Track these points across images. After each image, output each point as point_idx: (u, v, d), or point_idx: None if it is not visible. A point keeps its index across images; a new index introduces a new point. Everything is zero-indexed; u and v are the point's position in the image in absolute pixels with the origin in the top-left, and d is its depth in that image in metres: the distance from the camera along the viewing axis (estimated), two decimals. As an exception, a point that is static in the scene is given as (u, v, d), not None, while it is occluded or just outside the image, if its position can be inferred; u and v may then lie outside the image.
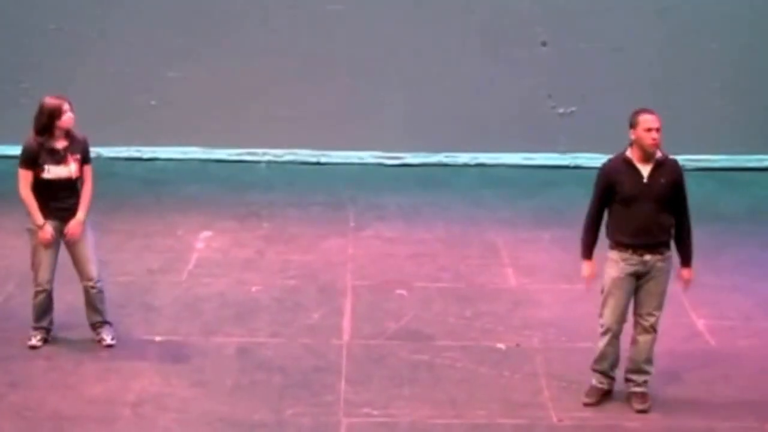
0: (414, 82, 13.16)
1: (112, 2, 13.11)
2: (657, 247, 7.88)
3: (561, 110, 13.28)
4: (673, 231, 7.95)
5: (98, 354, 8.59)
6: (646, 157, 7.84)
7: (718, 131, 13.05)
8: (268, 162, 13.27)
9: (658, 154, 7.88)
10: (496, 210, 11.83)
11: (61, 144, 8.46)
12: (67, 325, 8.88)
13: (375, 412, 7.88)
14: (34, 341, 8.67)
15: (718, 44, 13.06)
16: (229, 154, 13.28)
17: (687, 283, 8.14)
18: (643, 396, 8.04)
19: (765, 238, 11.11)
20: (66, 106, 8.43)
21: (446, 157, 13.27)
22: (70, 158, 8.47)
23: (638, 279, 7.94)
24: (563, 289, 9.76)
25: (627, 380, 8.11)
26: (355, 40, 13.10)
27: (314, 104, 13.15)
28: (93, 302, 8.68)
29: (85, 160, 8.58)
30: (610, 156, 8.02)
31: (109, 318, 8.79)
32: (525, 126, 13.20)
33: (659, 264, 7.90)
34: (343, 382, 8.26)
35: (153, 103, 13.23)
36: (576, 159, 13.22)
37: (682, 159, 12.32)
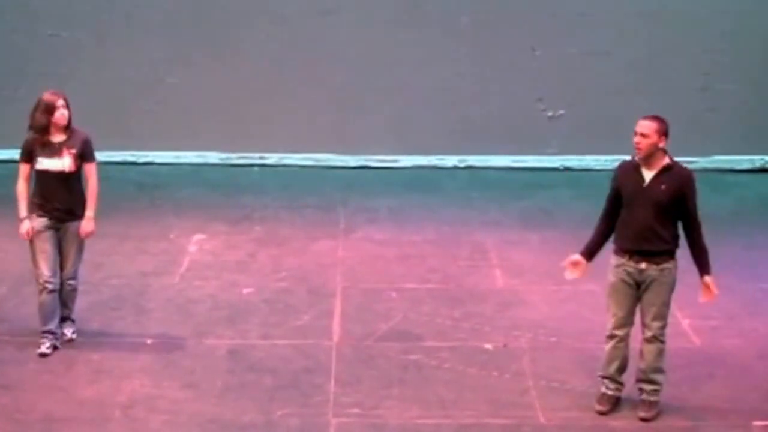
0: (404, 86, 13.22)
1: (107, 8, 13.17)
2: (653, 256, 7.76)
3: (550, 113, 13.34)
4: (675, 242, 7.82)
5: (90, 356, 8.65)
6: (647, 162, 7.76)
7: (702, 134, 13.10)
8: (261, 166, 13.35)
9: (666, 160, 7.76)
10: (485, 212, 11.90)
11: (57, 138, 8.54)
12: (60, 328, 8.94)
13: (364, 413, 7.93)
14: (43, 348, 8.63)
15: (703, 48, 13.12)
16: (222, 159, 13.37)
17: (708, 292, 7.90)
18: (649, 404, 7.92)
19: (749, 239, 11.18)
20: (59, 103, 8.48)
21: (436, 159, 13.35)
22: (65, 152, 8.52)
23: (638, 288, 7.83)
24: (551, 290, 9.83)
25: (639, 389, 8.00)
26: (345, 45, 13.16)
27: (306, 109, 13.21)
28: (65, 297, 8.79)
29: (85, 157, 8.60)
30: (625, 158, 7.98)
31: (74, 317, 8.90)
32: (514, 129, 13.27)
33: (655, 274, 7.78)
34: (332, 383, 8.32)
35: (147, 108, 13.30)
36: (565, 161, 13.32)
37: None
